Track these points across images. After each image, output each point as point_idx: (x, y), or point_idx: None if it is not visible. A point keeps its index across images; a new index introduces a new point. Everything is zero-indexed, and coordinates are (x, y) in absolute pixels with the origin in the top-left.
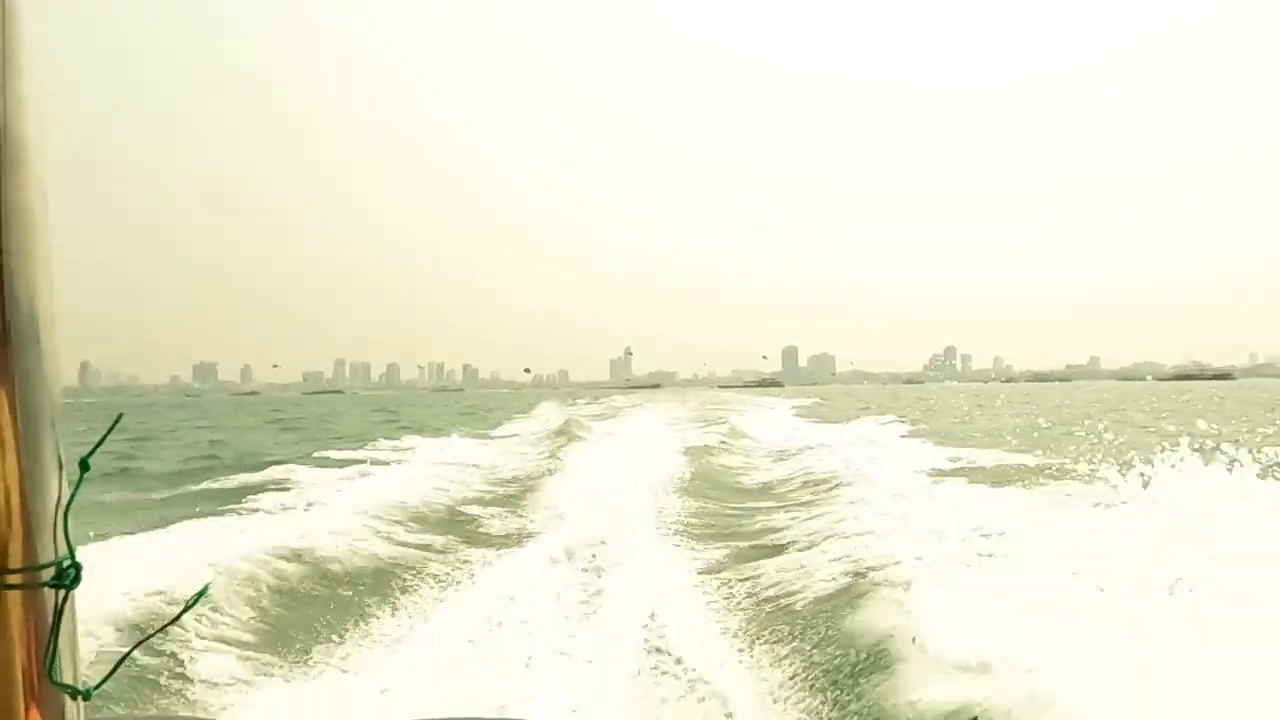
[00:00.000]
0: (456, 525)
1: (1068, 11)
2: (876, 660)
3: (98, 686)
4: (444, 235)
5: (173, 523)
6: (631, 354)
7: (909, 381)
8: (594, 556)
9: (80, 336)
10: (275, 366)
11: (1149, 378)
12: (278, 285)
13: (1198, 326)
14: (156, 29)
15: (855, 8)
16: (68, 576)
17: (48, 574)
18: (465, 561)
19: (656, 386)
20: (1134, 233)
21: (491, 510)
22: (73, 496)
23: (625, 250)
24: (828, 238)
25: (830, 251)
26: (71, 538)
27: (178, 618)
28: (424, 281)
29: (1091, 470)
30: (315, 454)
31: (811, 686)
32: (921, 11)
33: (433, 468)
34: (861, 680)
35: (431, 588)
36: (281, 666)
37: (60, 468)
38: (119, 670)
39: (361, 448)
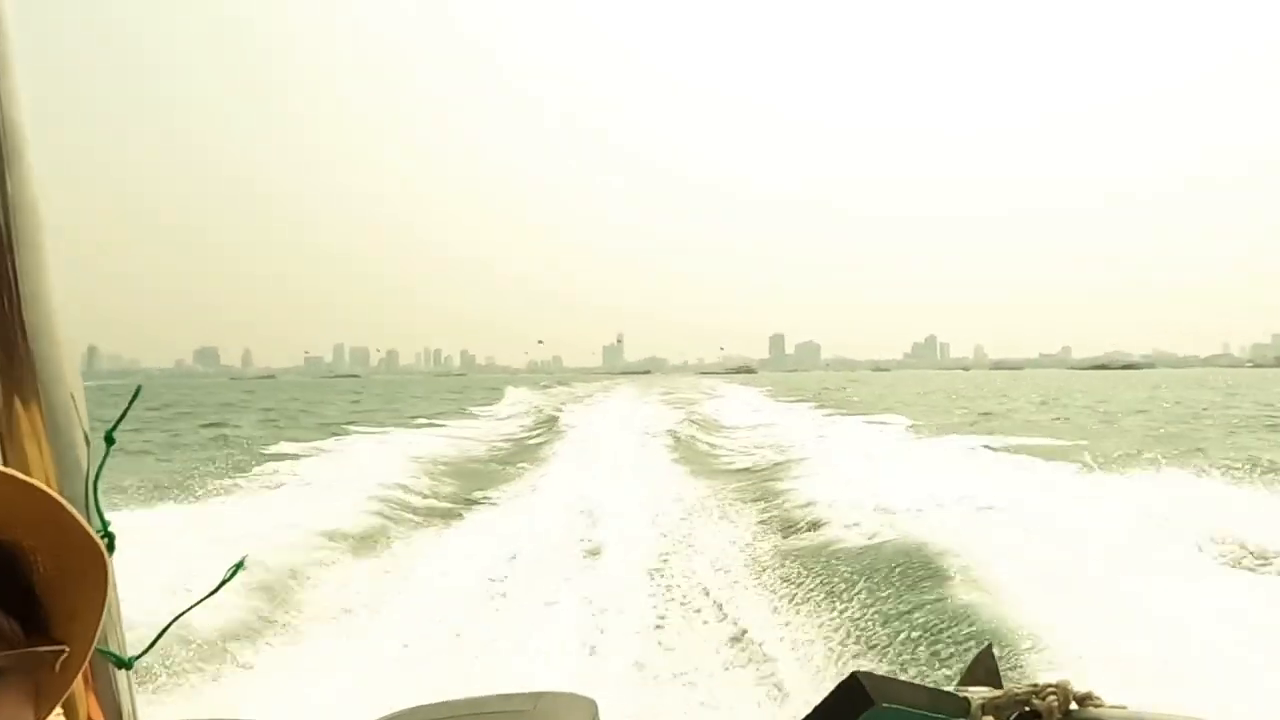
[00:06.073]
0: None
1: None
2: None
3: (139, 656)
4: (443, 223)
5: None
6: (622, 341)
7: (876, 369)
8: None
9: (82, 323)
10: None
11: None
12: (276, 271)
13: (1167, 320)
14: (155, 20)
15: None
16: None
17: None
18: None
19: (647, 372)
20: (1114, 230)
21: None
22: (99, 469)
23: (623, 239)
24: (820, 230)
25: (823, 243)
26: (102, 507)
27: (216, 590)
28: (422, 268)
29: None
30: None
31: None
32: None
33: None
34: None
35: None
36: None
37: (87, 444)
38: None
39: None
